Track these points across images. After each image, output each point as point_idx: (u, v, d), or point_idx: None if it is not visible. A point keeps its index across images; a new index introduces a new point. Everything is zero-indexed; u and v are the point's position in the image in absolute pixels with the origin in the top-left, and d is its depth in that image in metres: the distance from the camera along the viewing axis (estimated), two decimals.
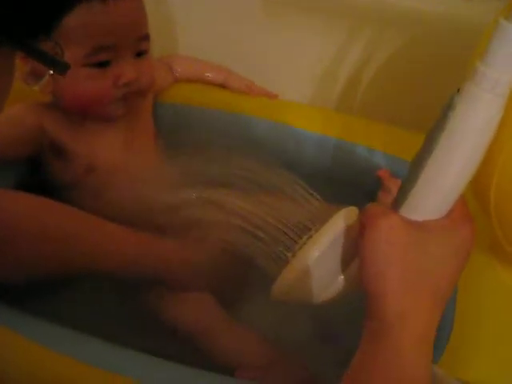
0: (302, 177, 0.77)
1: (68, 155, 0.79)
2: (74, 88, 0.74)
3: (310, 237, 0.54)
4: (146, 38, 0.75)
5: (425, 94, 0.88)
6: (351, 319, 0.55)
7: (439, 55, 0.86)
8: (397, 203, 0.46)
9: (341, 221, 0.52)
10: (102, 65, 0.72)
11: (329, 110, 0.99)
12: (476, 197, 0.64)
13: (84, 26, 0.69)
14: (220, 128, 0.95)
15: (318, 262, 0.52)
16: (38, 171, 0.81)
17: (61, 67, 0.39)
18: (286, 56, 1.00)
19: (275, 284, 0.55)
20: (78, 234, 0.67)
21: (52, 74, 0.44)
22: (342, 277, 0.53)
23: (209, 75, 0.99)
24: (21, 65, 0.73)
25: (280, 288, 0.55)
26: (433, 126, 0.44)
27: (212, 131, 0.94)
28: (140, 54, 0.75)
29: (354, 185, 0.87)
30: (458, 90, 0.43)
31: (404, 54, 0.92)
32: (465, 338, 0.60)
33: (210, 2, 1.01)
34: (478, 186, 0.62)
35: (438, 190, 0.45)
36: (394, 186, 0.79)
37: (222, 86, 0.98)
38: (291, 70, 1.01)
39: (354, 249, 0.48)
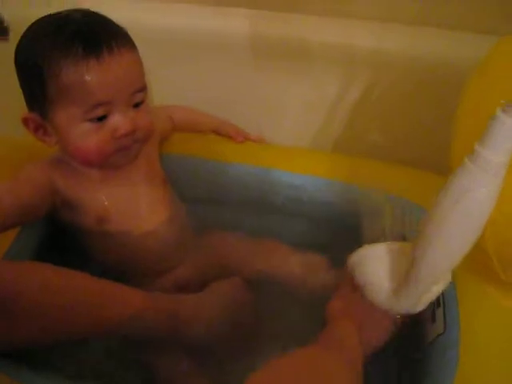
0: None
1: (79, 209, 0.80)
2: (76, 142, 0.75)
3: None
4: (141, 89, 0.77)
5: (404, 130, 0.91)
6: None
7: (416, 94, 0.90)
8: None
9: (407, 245, 0.64)
10: (100, 119, 0.74)
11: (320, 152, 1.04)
12: None
13: (81, 86, 0.71)
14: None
15: (384, 253, 0.65)
16: (57, 227, 0.83)
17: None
18: (273, 102, 1.05)
19: (352, 254, 0.68)
20: (83, 300, 0.68)
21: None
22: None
23: (202, 124, 1.03)
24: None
25: (353, 258, 0.68)
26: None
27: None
28: (137, 105, 0.77)
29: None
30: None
31: (382, 94, 0.97)
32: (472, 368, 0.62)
33: (201, 52, 1.04)
34: None
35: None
36: None
37: (215, 133, 1.02)
38: (278, 115, 1.06)
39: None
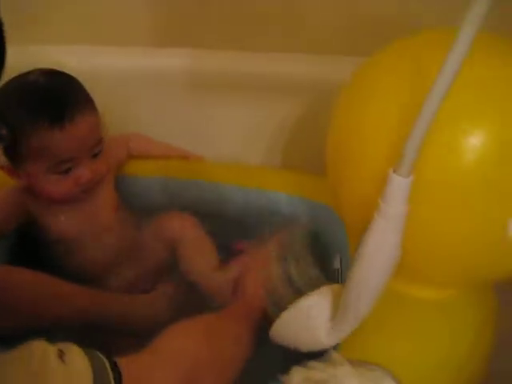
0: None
1: (43, 227, 0.93)
2: (42, 189, 0.88)
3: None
4: (100, 142, 0.89)
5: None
6: None
7: None
8: None
9: (325, 291, 0.72)
10: (66, 171, 0.86)
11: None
12: None
13: (48, 149, 0.83)
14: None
15: (302, 312, 0.71)
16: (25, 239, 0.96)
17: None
18: (212, 130, 1.16)
19: (274, 325, 0.74)
20: (45, 294, 0.84)
21: None
22: (321, 332, 0.70)
23: (155, 149, 1.13)
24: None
25: (276, 328, 0.73)
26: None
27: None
28: (96, 155, 0.89)
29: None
30: None
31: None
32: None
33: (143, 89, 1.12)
34: None
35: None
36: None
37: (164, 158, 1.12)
38: (218, 141, 1.15)
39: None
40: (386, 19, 0.98)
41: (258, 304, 0.80)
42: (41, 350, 0.49)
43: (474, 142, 0.59)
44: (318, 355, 0.71)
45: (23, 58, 0.90)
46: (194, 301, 0.93)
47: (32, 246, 0.95)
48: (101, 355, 0.53)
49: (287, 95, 1.08)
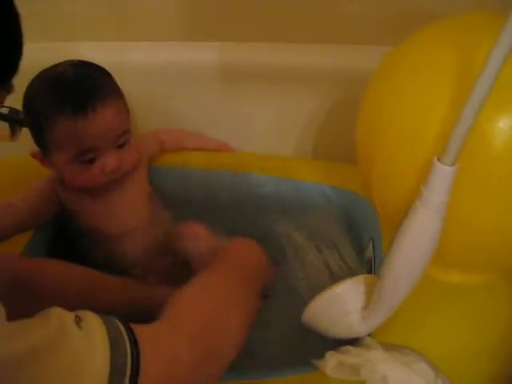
0: None
1: (77, 218, 0.97)
2: (69, 179, 0.91)
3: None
4: (124, 133, 0.90)
5: None
6: None
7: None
8: None
9: (360, 280, 0.72)
10: (90, 161, 0.87)
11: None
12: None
13: (70, 136, 0.85)
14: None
15: (337, 298, 0.71)
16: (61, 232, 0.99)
17: (19, 122, 0.56)
18: (245, 117, 1.17)
19: (306, 309, 0.73)
20: (78, 285, 0.85)
21: None
22: (355, 319, 0.71)
23: (189, 142, 1.15)
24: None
25: (309, 312, 0.73)
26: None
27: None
28: (122, 145, 0.90)
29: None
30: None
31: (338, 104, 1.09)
32: None
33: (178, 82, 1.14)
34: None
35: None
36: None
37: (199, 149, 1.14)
38: (251, 131, 1.18)
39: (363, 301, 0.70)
40: (415, 11, 0.98)
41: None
42: (58, 317, 0.50)
43: (502, 128, 0.59)
44: (352, 340, 0.72)
45: (53, 55, 0.93)
46: None
47: (67, 240, 0.99)
48: (116, 320, 0.54)
49: (317, 86, 1.09)
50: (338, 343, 0.72)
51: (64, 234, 0.99)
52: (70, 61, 0.89)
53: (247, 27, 1.09)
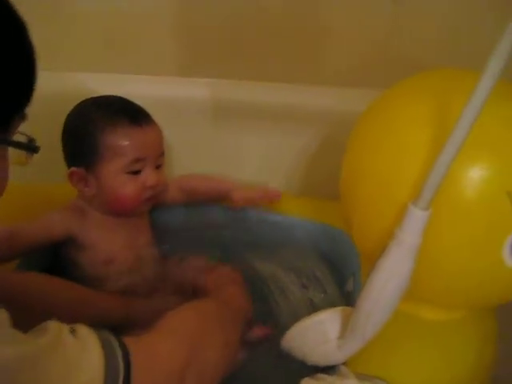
0: None
1: (90, 250, 0.96)
2: (116, 190, 0.94)
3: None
4: (163, 154, 0.98)
5: None
6: None
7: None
8: None
9: (338, 311, 0.76)
10: (136, 173, 0.93)
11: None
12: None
13: (126, 146, 0.91)
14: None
15: (315, 326, 0.76)
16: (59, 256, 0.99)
17: (34, 150, 0.60)
18: (235, 152, 1.21)
19: (286, 334, 0.78)
20: (61, 298, 0.86)
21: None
22: (330, 347, 0.75)
23: (214, 191, 1.12)
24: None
25: (288, 338, 0.78)
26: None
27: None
28: (158, 167, 0.97)
29: None
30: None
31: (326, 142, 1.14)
32: None
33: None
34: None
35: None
36: None
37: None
38: (240, 163, 1.21)
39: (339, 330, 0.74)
40: (403, 57, 1.05)
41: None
42: (55, 327, 0.54)
43: (475, 175, 0.63)
44: (329, 368, 0.76)
45: (53, 83, 0.97)
46: None
47: (62, 261, 0.98)
48: (107, 332, 0.58)
49: (306, 125, 1.14)
50: (316, 371, 0.75)
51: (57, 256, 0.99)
52: (109, 95, 0.97)
53: (239, 66, 1.15)
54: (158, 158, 0.96)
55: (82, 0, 1.13)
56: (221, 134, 1.19)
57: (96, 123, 0.91)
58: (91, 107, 0.94)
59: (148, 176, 0.94)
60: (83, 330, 0.56)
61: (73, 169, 0.93)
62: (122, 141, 0.91)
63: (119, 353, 0.56)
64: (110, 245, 0.98)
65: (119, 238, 0.99)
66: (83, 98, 0.96)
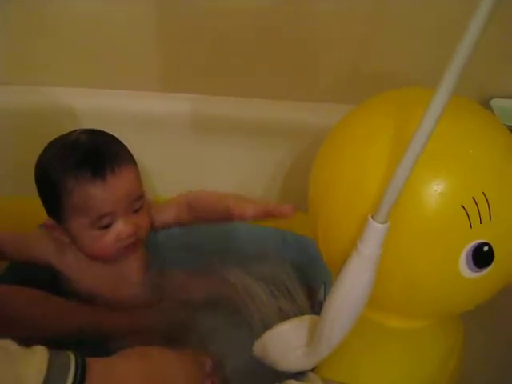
0: None
1: (72, 282, 0.97)
2: (85, 246, 0.90)
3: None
4: (139, 198, 0.91)
5: None
6: None
7: None
8: None
9: (306, 319, 0.78)
10: (106, 226, 0.88)
11: None
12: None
13: (89, 202, 0.85)
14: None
15: (284, 333, 0.78)
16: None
17: None
18: (215, 166, 1.24)
19: (257, 341, 0.80)
20: (42, 310, 0.89)
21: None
22: (296, 355, 0.77)
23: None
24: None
25: (258, 346, 0.80)
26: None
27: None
28: (137, 210, 0.91)
29: None
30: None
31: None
32: None
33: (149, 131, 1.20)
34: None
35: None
36: None
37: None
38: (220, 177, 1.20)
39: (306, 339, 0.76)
40: (382, 75, 1.08)
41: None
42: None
43: (432, 189, 0.65)
44: (298, 374, 0.79)
45: (34, 98, 0.99)
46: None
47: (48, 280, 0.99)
48: (69, 351, 0.61)
49: (283, 139, 1.18)
50: (286, 377, 0.78)
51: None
52: (80, 129, 0.91)
53: (220, 82, 1.18)
54: (132, 204, 0.90)
55: (62, 13, 1.13)
56: (201, 149, 1.21)
57: (59, 176, 0.86)
58: (54, 156, 0.88)
59: (120, 228, 0.88)
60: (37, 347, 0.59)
61: (45, 220, 0.92)
62: (84, 199, 0.85)
63: (73, 359, 0.59)
64: (95, 283, 0.96)
65: (105, 280, 0.97)
66: (62, 113, 0.98)
